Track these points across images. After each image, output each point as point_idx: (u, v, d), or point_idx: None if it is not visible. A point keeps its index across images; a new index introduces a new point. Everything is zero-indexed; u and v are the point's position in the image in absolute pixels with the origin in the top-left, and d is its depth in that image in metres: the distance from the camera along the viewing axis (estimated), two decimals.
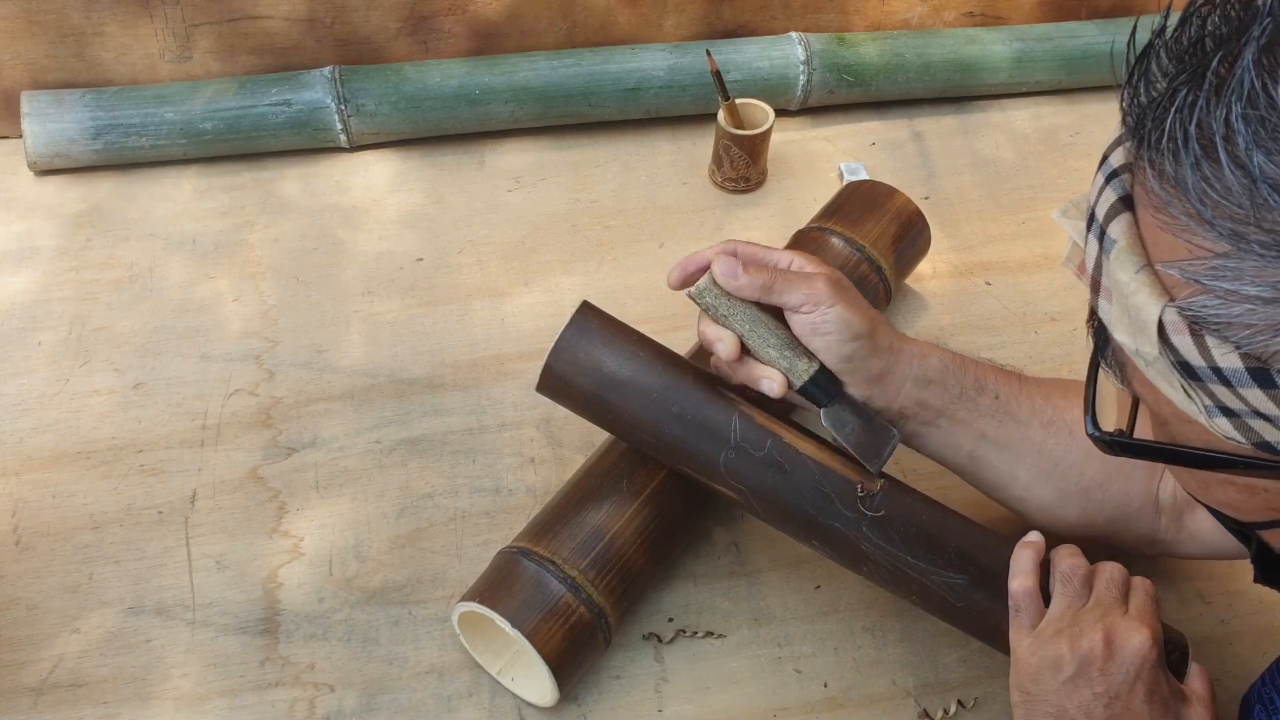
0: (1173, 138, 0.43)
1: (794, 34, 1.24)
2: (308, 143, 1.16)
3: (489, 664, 0.82)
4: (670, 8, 1.24)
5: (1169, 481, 0.79)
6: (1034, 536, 0.77)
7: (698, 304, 0.78)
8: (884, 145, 1.24)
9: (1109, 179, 0.49)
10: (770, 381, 0.76)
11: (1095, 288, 0.50)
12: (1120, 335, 0.49)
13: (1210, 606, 0.89)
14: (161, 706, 0.81)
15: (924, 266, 1.10)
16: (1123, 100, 0.47)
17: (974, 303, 1.10)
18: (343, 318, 1.05)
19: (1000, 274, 1.12)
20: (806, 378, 0.77)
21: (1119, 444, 0.54)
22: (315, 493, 0.92)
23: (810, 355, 0.77)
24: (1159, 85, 0.45)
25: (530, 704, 0.81)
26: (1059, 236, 1.16)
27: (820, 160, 1.22)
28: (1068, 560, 0.75)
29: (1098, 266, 0.49)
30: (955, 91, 1.28)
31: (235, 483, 0.93)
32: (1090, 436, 0.55)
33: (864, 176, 1.17)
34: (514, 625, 0.77)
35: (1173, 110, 0.43)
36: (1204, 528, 0.79)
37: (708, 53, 1.14)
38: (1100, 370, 0.55)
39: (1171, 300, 0.45)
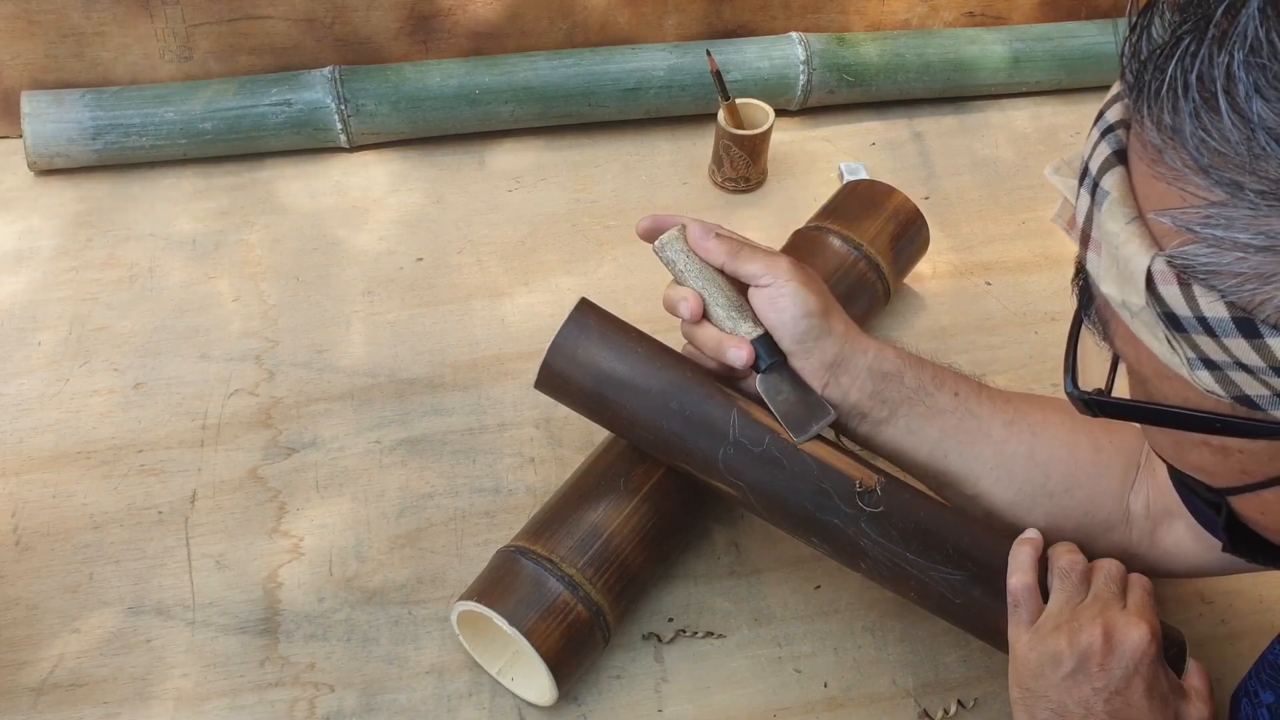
0: (1172, 86, 0.44)
1: (794, 34, 1.24)
2: (308, 143, 1.16)
3: (489, 664, 0.82)
4: (670, 8, 1.24)
5: (1141, 491, 0.79)
6: (1032, 533, 0.77)
7: (659, 256, 0.81)
8: (884, 145, 1.24)
9: (1104, 134, 0.49)
10: (737, 351, 0.78)
11: (1084, 241, 0.50)
12: (1107, 287, 0.49)
13: (1210, 606, 0.89)
14: (161, 706, 0.81)
15: (924, 266, 1.10)
16: (1123, 54, 0.47)
17: (974, 303, 1.10)
18: (343, 318, 1.05)
19: (1000, 274, 1.12)
20: (749, 339, 0.79)
21: (1097, 403, 0.54)
22: (315, 493, 0.92)
23: (757, 322, 0.79)
24: (1160, 35, 0.45)
25: (530, 703, 0.81)
26: (1059, 236, 1.16)
27: (820, 160, 1.22)
28: (1066, 556, 0.75)
29: (1088, 219, 0.50)
30: (955, 91, 1.28)
31: (235, 483, 0.93)
32: (1069, 395, 0.55)
33: (864, 176, 1.17)
34: (512, 624, 0.77)
35: (1174, 59, 0.44)
36: (1179, 543, 0.78)
37: (708, 53, 1.14)
38: (1081, 331, 0.55)
39: (1161, 250, 0.46)
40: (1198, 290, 0.45)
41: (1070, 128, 1.28)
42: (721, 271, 0.80)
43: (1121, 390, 0.56)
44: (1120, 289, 0.48)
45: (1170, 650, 0.75)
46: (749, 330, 0.79)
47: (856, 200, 1.03)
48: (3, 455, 0.93)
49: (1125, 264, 0.47)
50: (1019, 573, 0.75)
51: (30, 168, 1.13)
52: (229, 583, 0.87)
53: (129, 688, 0.82)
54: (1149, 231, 0.47)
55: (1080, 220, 0.50)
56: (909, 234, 1.04)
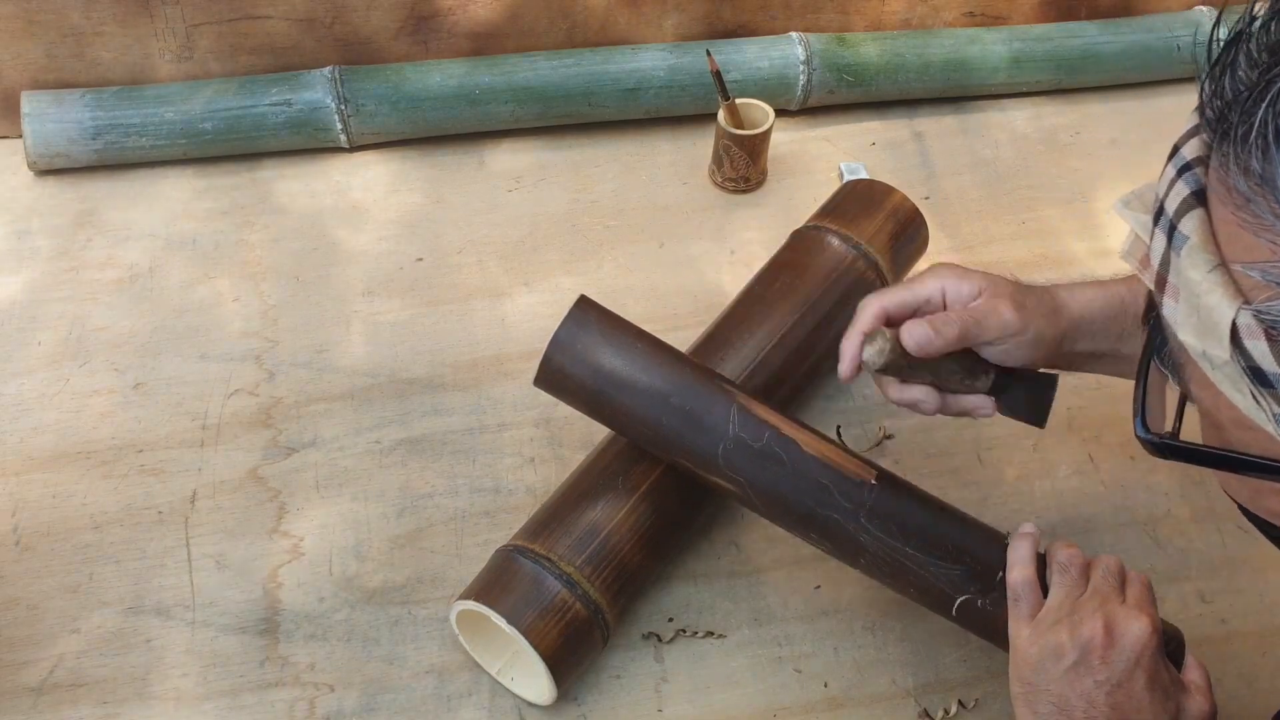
0: (1263, 132, 0.42)
1: (794, 34, 1.24)
2: (308, 143, 1.16)
3: (488, 664, 0.82)
4: (670, 8, 1.24)
5: None
6: (1029, 528, 0.77)
7: (878, 373, 0.77)
8: (884, 145, 1.24)
9: (1181, 171, 0.47)
10: (983, 409, 0.78)
11: (1160, 285, 0.48)
12: (1186, 336, 0.47)
13: (1210, 606, 0.89)
14: (161, 706, 0.81)
15: (924, 266, 1.10)
16: (1203, 91, 0.45)
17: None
18: (343, 318, 1.05)
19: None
20: (984, 390, 0.79)
21: (1170, 447, 0.52)
22: (315, 493, 0.92)
23: (986, 369, 0.78)
24: (1247, 76, 0.43)
25: (529, 703, 0.81)
26: (1059, 237, 1.16)
27: (820, 160, 1.22)
28: (1064, 551, 0.75)
29: (1164, 263, 0.47)
30: (955, 91, 1.28)
31: (235, 483, 0.93)
32: (1139, 438, 0.53)
33: (864, 176, 1.17)
34: (510, 622, 0.77)
35: (1265, 103, 0.42)
36: None
37: (708, 53, 1.14)
38: (1150, 370, 0.53)
39: (1247, 303, 0.44)
40: None
41: (1070, 128, 1.28)
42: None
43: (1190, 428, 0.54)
44: (1201, 339, 0.46)
45: (1169, 645, 0.75)
46: (983, 385, 0.78)
47: (855, 200, 1.03)
48: (3, 455, 0.93)
49: (1207, 314, 0.45)
50: (1018, 567, 0.75)
51: (30, 168, 1.13)
52: (229, 583, 0.87)
53: (129, 688, 0.82)
54: (1234, 281, 0.44)
55: (1155, 263, 0.48)
56: (908, 233, 1.03)
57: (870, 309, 0.77)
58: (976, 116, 1.28)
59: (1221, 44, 0.45)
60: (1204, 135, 0.46)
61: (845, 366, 0.77)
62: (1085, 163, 1.24)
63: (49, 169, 1.13)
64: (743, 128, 1.14)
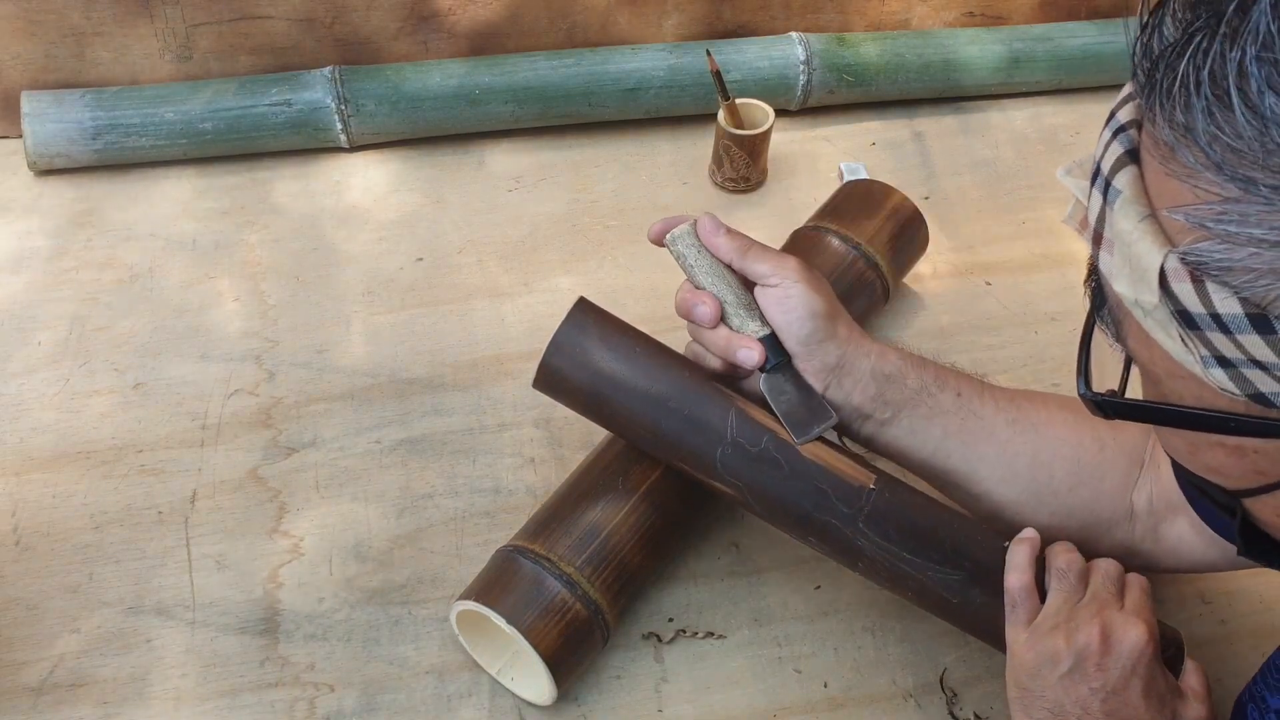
0: (1185, 84, 0.44)
1: (794, 34, 1.24)
2: (308, 143, 1.16)
3: (488, 664, 0.82)
4: (670, 8, 1.24)
5: (1145, 487, 0.79)
6: (1029, 532, 0.77)
7: (670, 250, 0.82)
8: (884, 145, 1.24)
9: (1116, 134, 0.49)
10: (748, 352, 0.79)
11: (1097, 240, 0.50)
12: (1120, 286, 0.49)
13: (1210, 606, 0.89)
14: (161, 706, 0.81)
15: (924, 266, 1.10)
16: (1134, 53, 0.47)
17: (974, 303, 1.10)
18: (343, 318, 1.05)
19: (1000, 274, 1.12)
20: (756, 340, 0.79)
21: (1110, 404, 0.54)
22: (315, 493, 0.92)
23: (764, 321, 0.80)
24: (1171, 34, 0.45)
25: (529, 703, 0.81)
26: (1059, 237, 1.16)
27: (820, 160, 1.22)
28: (1063, 555, 0.75)
29: (1100, 219, 0.49)
30: (955, 91, 1.28)
31: (235, 483, 0.93)
32: (1081, 397, 0.55)
33: (864, 176, 1.17)
34: (510, 622, 0.77)
35: (1186, 57, 0.44)
36: (1183, 539, 0.78)
37: (708, 53, 1.14)
38: (1094, 333, 0.55)
39: (1174, 247, 0.46)
40: (1211, 287, 0.45)
41: (1070, 128, 1.28)
42: (730, 269, 0.81)
43: (1134, 391, 0.56)
44: (1133, 287, 0.48)
45: (1168, 650, 0.75)
46: (756, 329, 0.79)
47: (855, 200, 1.03)
48: (3, 455, 0.93)
49: (1138, 262, 0.47)
50: (1016, 572, 0.75)
51: (30, 168, 1.13)
52: (229, 583, 0.87)
53: (129, 688, 0.82)
54: (1162, 229, 0.47)
55: (1092, 220, 0.50)
56: (908, 233, 1.04)
57: (701, 218, 0.83)
58: (976, 116, 1.28)
59: (1150, 6, 0.47)
60: (1136, 99, 0.49)
61: (658, 225, 0.83)
62: None
63: (49, 169, 1.13)
64: (743, 128, 1.14)
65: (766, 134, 1.14)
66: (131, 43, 1.15)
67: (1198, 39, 0.43)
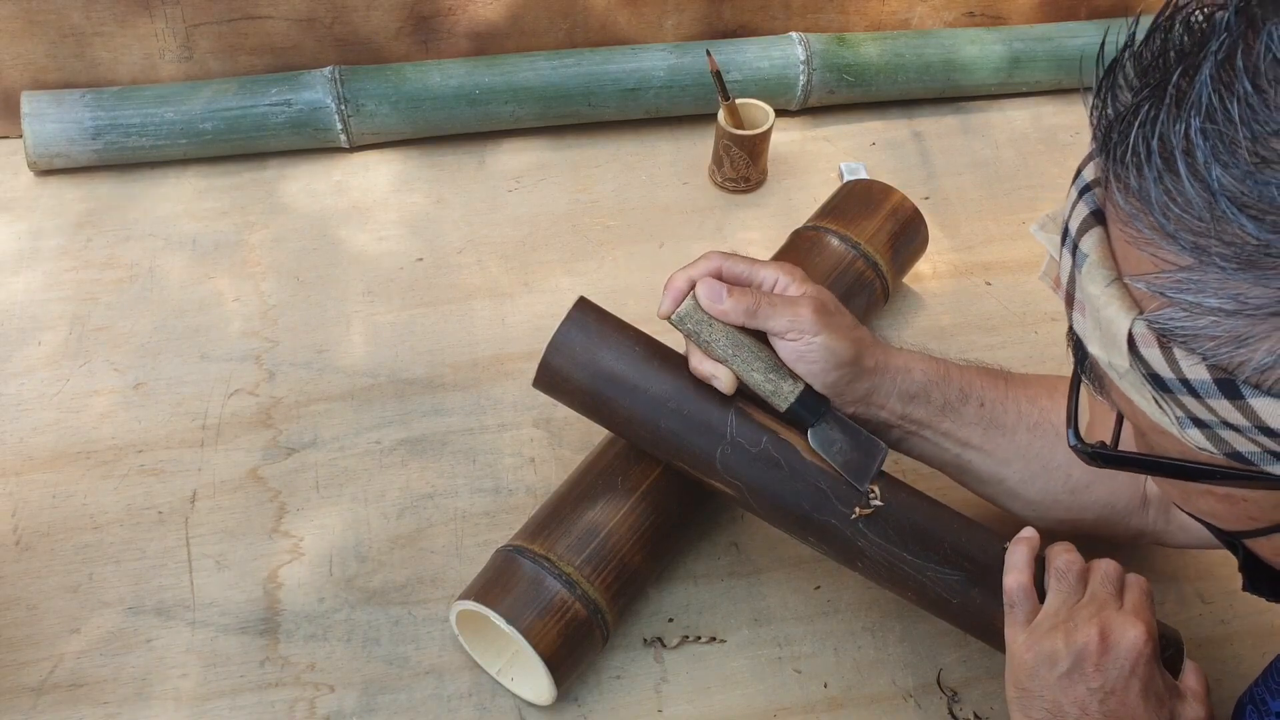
0: (1136, 152, 0.44)
1: (794, 34, 1.24)
2: (308, 143, 1.16)
3: (488, 664, 0.83)
4: (670, 8, 1.24)
5: None
6: (1028, 532, 0.77)
7: (679, 330, 0.77)
8: (884, 145, 1.24)
9: (1081, 193, 0.49)
10: (719, 379, 0.77)
11: (1069, 301, 0.50)
12: (1094, 348, 0.49)
13: (1210, 606, 0.89)
14: (161, 706, 0.81)
15: (924, 266, 1.10)
16: (1091, 115, 0.47)
17: (974, 303, 1.10)
18: (343, 318, 1.05)
19: (1000, 274, 1.12)
20: (793, 399, 0.77)
21: (1100, 455, 0.54)
22: (315, 493, 0.92)
23: (795, 376, 0.77)
24: (1125, 99, 0.45)
25: (529, 703, 0.81)
26: None
27: (820, 160, 1.22)
28: (1062, 556, 0.75)
29: (1071, 280, 0.50)
30: (955, 91, 1.28)
31: (235, 483, 0.93)
32: (1072, 448, 0.55)
33: (864, 176, 1.17)
34: (509, 622, 0.77)
35: (1136, 124, 0.44)
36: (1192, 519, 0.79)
37: (708, 53, 1.14)
38: (1081, 383, 0.55)
39: (1141, 313, 0.46)
40: (1178, 353, 0.45)
41: (1070, 128, 1.28)
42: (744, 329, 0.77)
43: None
44: (1106, 350, 0.48)
45: (1167, 650, 0.75)
46: (790, 390, 0.77)
47: (855, 199, 1.03)
48: (3, 455, 0.93)
49: (1108, 325, 0.47)
50: (1015, 572, 0.75)
51: (30, 168, 1.13)
52: (229, 583, 0.87)
53: (129, 688, 0.82)
54: (1129, 294, 0.46)
55: (1064, 281, 0.50)
56: (908, 233, 1.04)
57: (710, 262, 0.78)
58: (976, 116, 1.28)
59: (1106, 66, 0.47)
60: (1097, 158, 0.48)
61: (666, 302, 0.77)
62: None
63: (49, 169, 1.13)
64: (743, 128, 1.14)
65: (766, 134, 1.14)
66: (131, 43, 1.15)
67: (1145, 107, 0.43)
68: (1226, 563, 0.91)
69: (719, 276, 0.78)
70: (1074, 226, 0.49)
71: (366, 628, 0.85)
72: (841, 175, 1.19)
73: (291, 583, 0.87)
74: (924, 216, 1.05)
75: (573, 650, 0.79)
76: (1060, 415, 0.80)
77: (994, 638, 0.77)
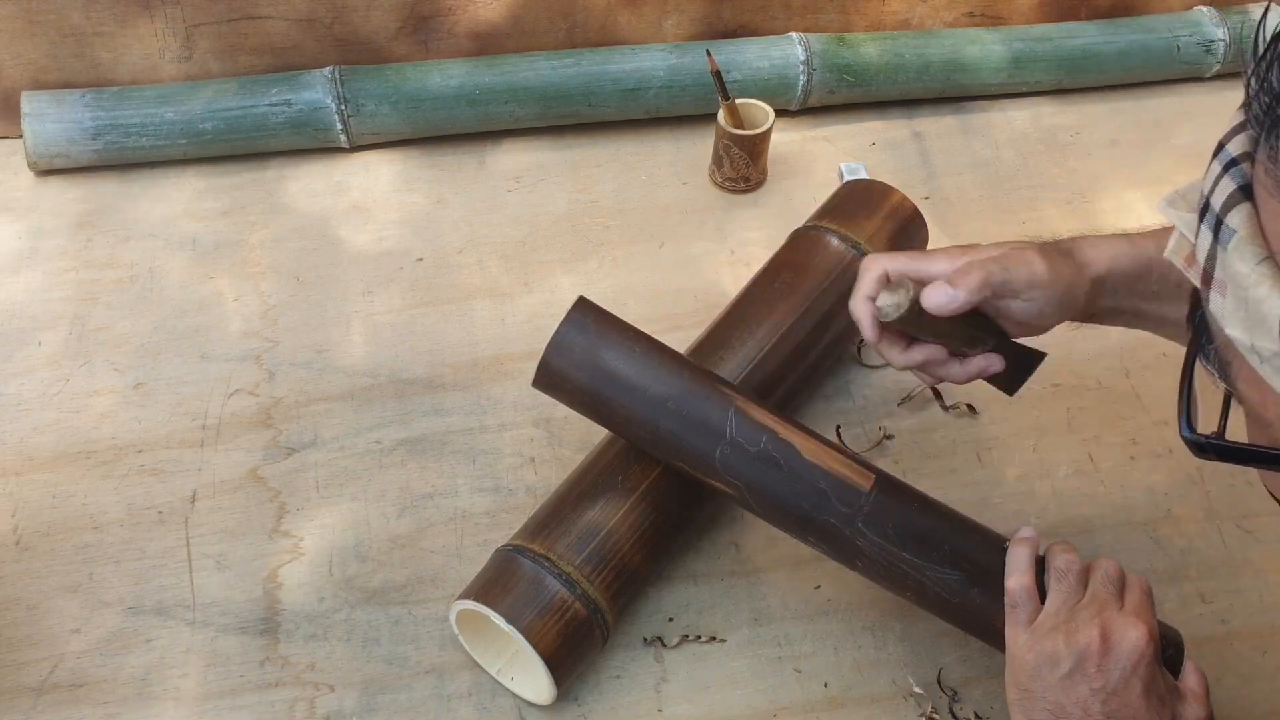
0: None
1: (794, 34, 1.24)
2: (308, 143, 1.16)
3: (489, 664, 0.83)
4: (670, 8, 1.24)
5: None
6: (1029, 532, 0.77)
7: (891, 324, 0.75)
8: (884, 145, 1.24)
9: (1227, 167, 0.47)
10: (993, 367, 0.77)
11: (1206, 280, 0.47)
12: (1234, 330, 0.46)
13: (1210, 606, 0.89)
14: (161, 706, 0.81)
15: None
16: (1249, 86, 0.45)
17: None
18: (343, 318, 1.05)
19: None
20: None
21: (1214, 447, 0.51)
22: (315, 493, 0.93)
23: (991, 330, 0.77)
24: None
25: (530, 703, 0.81)
26: (1059, 237, 1.16)
27: (820, 160, 1.22)
28: (1062, 556, 0.75)
29: (1210, 258, 0.47)
30: (955, 91, 1.28)
31: (235, 483, 0.93)
32: (1184, 439, 0.52)
33: (864, 176, 1.17)
34: (509, 622, 0.77)
35: None
36: None
37: (708, 53, 1.14)
38: (1195, 370, 0.52)
39: None
40: None
41: (1070, 128, 1.28)
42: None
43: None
44: (1249, 333, 0.45)
45: (1168, 650, 0.75)
46: (989, 347, 0.77)
47: (854, 199, 1.03)
48: (3, 455, 0.93)
49: (1256, 307, 0.44)
50: (1016, 573, 0.74)
51: (30, 168, 1.13)
52: (229, 583, 0.87)
53: (129, 688, 0.82)
54: None
55: (1201, 259, 0.48)
56: (907, 232, 1.03)
57: (874, 272, 0.76)
58: (976, 116, 1.28)
59: (1268, 39, 0.44)
60: (1250, 130, 0.46)
61: (868, 329, 0.75)
62: (1085, 163, 1.24)
63: (49, 169, 1.13)
64: (743, 128, 1.14)
65: (766, 134, 1.14)
66: (131, 43, 1.15)
67: None
68: (1227, 563, 0.92)
69: (887, 279, 0.76)
70: (1217, 202, 0.46)
71: (366, 627, 0.85)
72: (841, 175, 1.19)
73: (291, 583, 0.87)
74: (924, 216, 1.05)
75: (573, 650, 0.79)
76: None
77: (994, 638, 0.77)
